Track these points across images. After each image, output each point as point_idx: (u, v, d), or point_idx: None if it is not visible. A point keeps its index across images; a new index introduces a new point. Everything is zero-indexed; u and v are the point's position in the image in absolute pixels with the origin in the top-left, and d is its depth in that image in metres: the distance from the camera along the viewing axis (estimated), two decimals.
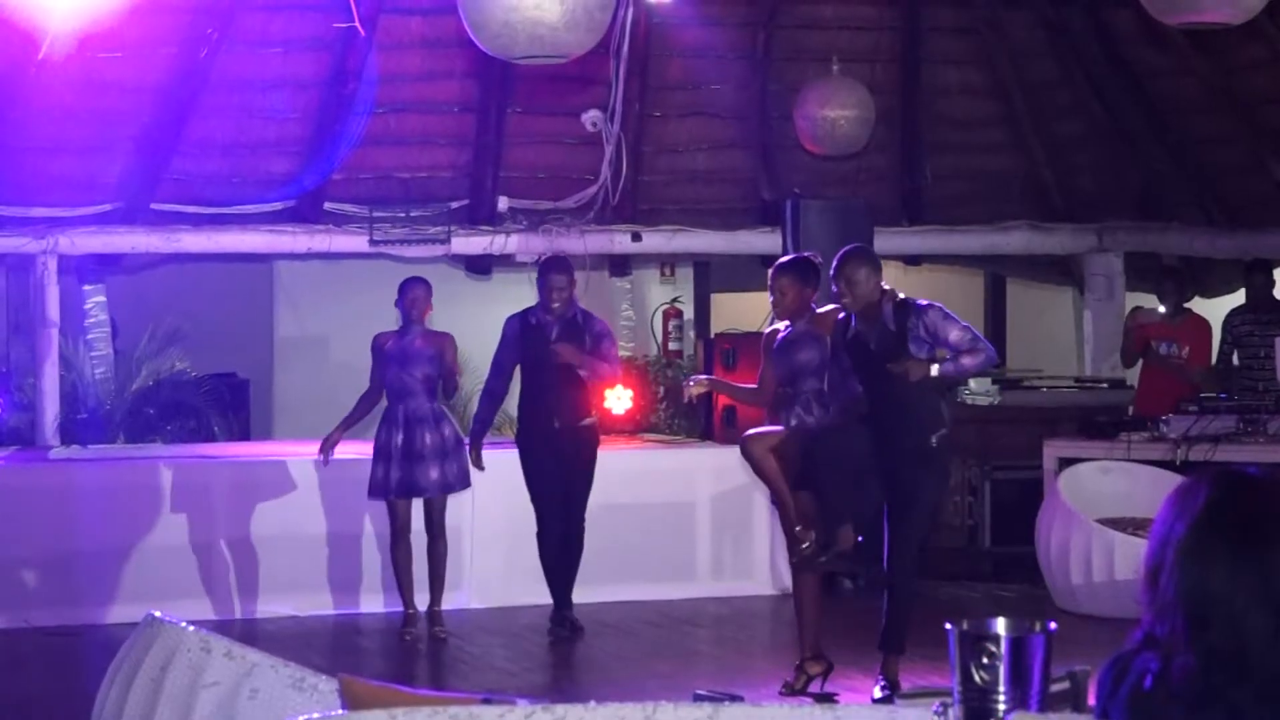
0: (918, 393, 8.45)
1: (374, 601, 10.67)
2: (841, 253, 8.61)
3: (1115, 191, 14.50)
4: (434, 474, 10.02)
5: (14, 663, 9.54)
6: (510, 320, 10.33)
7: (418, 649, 10.01)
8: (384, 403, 10.26)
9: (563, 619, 10.25)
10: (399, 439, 9.98)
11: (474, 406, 10.74)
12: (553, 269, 10.32)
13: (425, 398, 10.08)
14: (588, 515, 10.26)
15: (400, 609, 10.32)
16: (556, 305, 10.13)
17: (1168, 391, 11.95)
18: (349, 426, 10.30)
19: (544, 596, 10.32)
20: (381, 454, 10.03)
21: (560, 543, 10.21)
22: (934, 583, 11.81)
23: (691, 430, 12.64)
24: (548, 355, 10.06)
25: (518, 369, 10.32)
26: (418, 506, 10.17)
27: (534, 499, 10.25)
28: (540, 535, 10.26)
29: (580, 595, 10.52)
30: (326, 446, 10.24)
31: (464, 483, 10.17)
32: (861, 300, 8.43)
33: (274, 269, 15.02)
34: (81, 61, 12.06)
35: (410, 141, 13.50)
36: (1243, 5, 7.75)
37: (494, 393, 10.35)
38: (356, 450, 10.52)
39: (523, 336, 10.19)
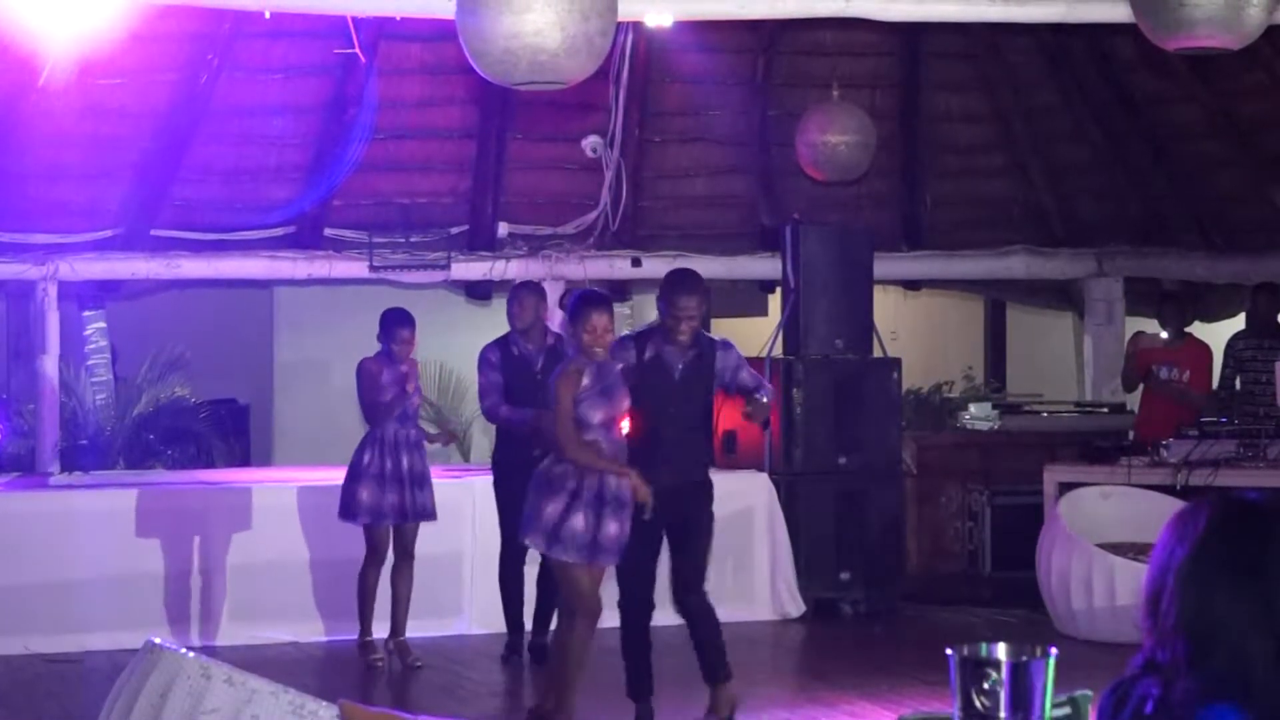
0: (707, 425, 8.46)
1: (376, 628, 10.64)
2: (683, 276, 8.42)
3: (1115, 216, 14.52)
4: (425, 498, 10.03)
5: (14, 689, 9.52)
6: (490, 347, 10.22)
7: (413, 674, 9.99)
8: (360, 425, 10.23)
9: (517, 643, 10.30)
10: (403, 463, 9.94)
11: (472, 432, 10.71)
12: (518, 298, 10.29)
13: (415, 423, 10.12)
14: None
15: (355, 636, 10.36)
16: (520, 326, 10.11)
17: (1168, 416, 11.96)
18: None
19: None
20: (371, 477, 9.92)
21: (521, 570, 10.26)
22: (934, 608, 11.81)
23: None
24: (531, 386, 10.08)
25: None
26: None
27: (502, 524, 10.27)
28: (503, 561, 10.32)
29: None
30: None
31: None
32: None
33: (274, 294, 15.04)
34: (82, 88, 12.09)
35: (410, 167, 13.52)
36: (1241, 30, 7.76)
37: (504, 406, 10.20)
38: None
39: (505, 365, 10.15)
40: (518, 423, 10.04)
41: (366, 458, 9.92)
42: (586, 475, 7.82)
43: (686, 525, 8.26)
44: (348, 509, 10.00)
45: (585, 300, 8.07)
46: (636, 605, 8.26)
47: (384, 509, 9.92)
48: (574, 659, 8.02)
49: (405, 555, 10.11)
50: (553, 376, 8.17)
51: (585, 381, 7.84)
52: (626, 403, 8.00)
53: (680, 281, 8.30)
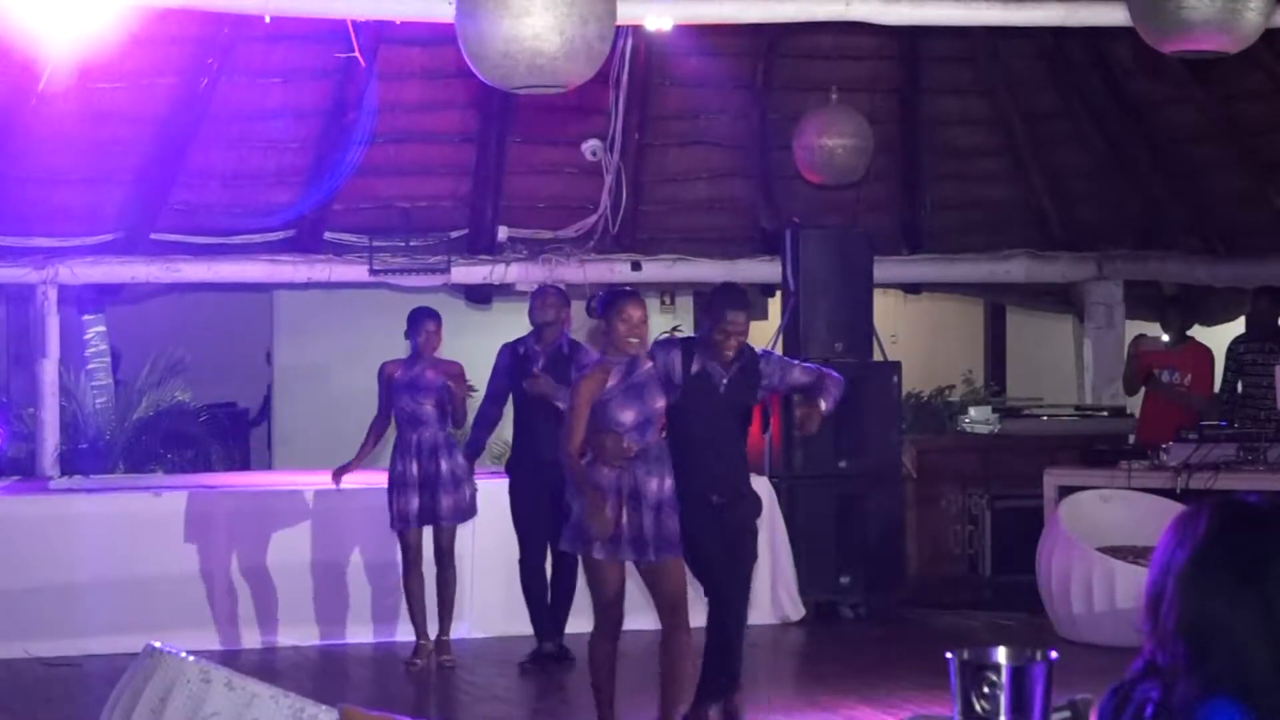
0: (745, 440, 8.34)
1: (376, 631, 10.65)
2: (730, 290, 8.29)
3: (1115, 220, 14.52)
4: (449, 502, 10.03)
5: (14, 693, 9.52)
6: (503, 349, 10.34)
7: (417, 678, 9.99)
8: (393, 432, 10.23)
9: (542, 651, 10.26)
10: (414, 468, 9.97)
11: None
12: (541, 294, 10.37)
13: (437, 426, 10.07)
14: None
15: (412, 638, 10.27)
16: (538, 320, 10.16)
17: (1169, 419, 11.95)
18: (364, 456, 10.27)
19: None
20: (397, 484, 9.99)
21: (542, 573, 10.24)
22: (934, 611, 11.81)
23: None
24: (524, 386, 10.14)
25: (510, 399, 10.35)
26: (427, 536, 10.14)
27: (518, 529, 10.30)
28: (523, 564, 10.30)
29: (582, 625, 10.50)
30: (339, 474, 10.25)
31: (474, 510, 10.19)
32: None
33: (273, 298, 15.04)
34: (82, 92, 12.08)
35: (410, 171, 13.52)
36: (1239, 33, 7.76)
37: (487, 417, 10.36)
38: (361, 480, 10.50)
39: (512, 366, 10.21)
40: (470, 445, 10.19)
41: (394, 465, 10.03)
42: (622, 474, 7.69)
43: (726, 540, 8.06)
44: (390, 518, 10.08)
45: (617, 293, 8.02)
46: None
47: (409, 514, 9.97)
48: (678, 664, 7.86)
49: (441, 558, 10.12)
50: (575, 376, 8.13)
51: (612, 381, 7.73)
52: (662, 403, 7.85)
53: (728, 296, 8.16)
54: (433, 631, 10.19)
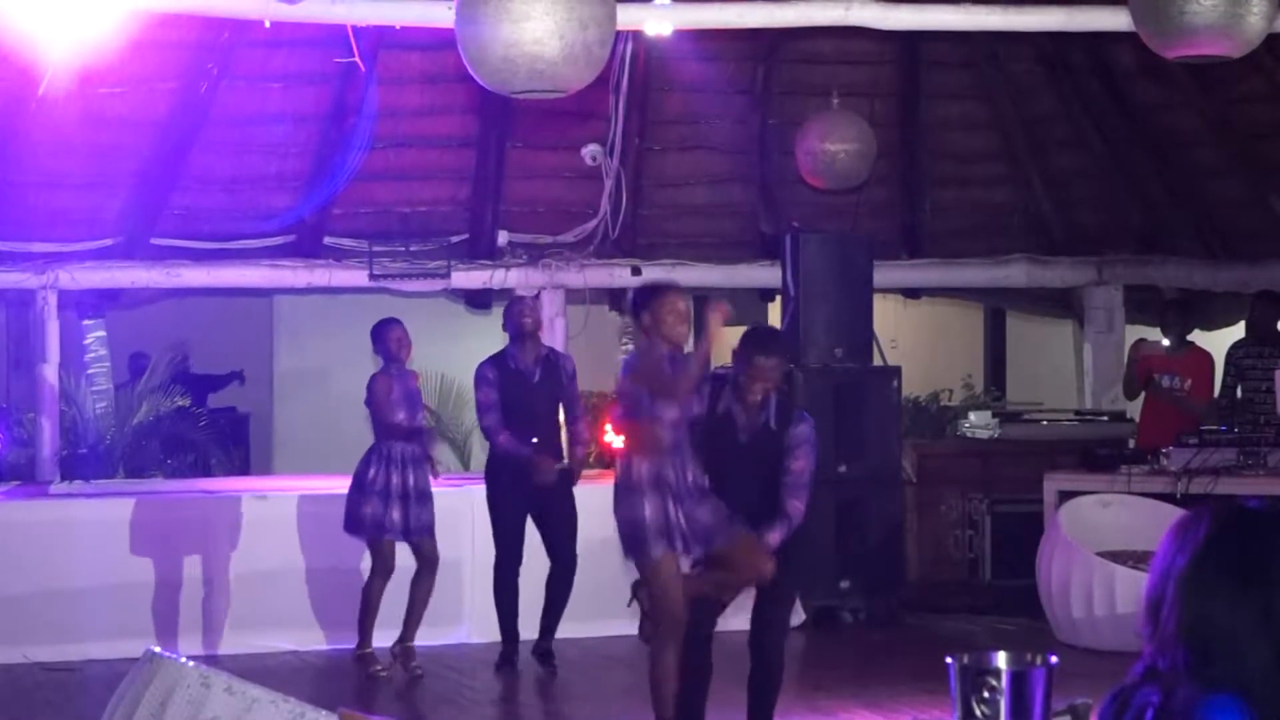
0: (772, 490, 7.69)
1: (375, 636, 10.62)
2: (763, 335, 7.96)
3: (1115, 225, 14.52)
4: (430, 515, 10.01)
5: (13, 698, 9.52)
6: (485, 364, 10.25)
7: (412, 682, 9.98)
8: (370, 438, 10.21)
9: (513, 655, 10.26)
10: (398, 480, 9.90)
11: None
12: (523, 302, 10.39)
13: (419, 439, 10.08)
14: (587, 549, 10.27)
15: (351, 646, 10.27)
16: (529, 329, 10.17)
17: (1169, 424, 11.94)
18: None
19: None
20: (374, 492, 9.91)
21: (515, 579, 10.23)
22: (934, 616, 11.80)
23: None
24: (527, 400, 10.10)
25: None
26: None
27: (496, 536, 10.29)
28: (498, 567, 10.29)
29: (582, 629, 10.51)
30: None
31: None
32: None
33: (273, 303, 15.04)
34: (82, 96, 12.09)
35: (410, 176, 13.53)
36: (1241, 38, 7.77)
37: (497, 429, 10.23)
38: None
39: (503, 380, 10.15)
40: (513, 454, 10.09)
41: (371, 472, 9.92)
42: (660, 468, 7.43)
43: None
44: (352, 522, 9.99)
45: (655, 287, 7.75)
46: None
47: (387, 524, 9.91)
48: (660, 672, 7.58)
49: (428, 565, 10.08)
50: (624, 367, 7.77)
51: (668, 371, 7.47)
52: (695, 407, 7.61)
53: (757, 339, 7.77)
54: (391, 638, 10.19)
